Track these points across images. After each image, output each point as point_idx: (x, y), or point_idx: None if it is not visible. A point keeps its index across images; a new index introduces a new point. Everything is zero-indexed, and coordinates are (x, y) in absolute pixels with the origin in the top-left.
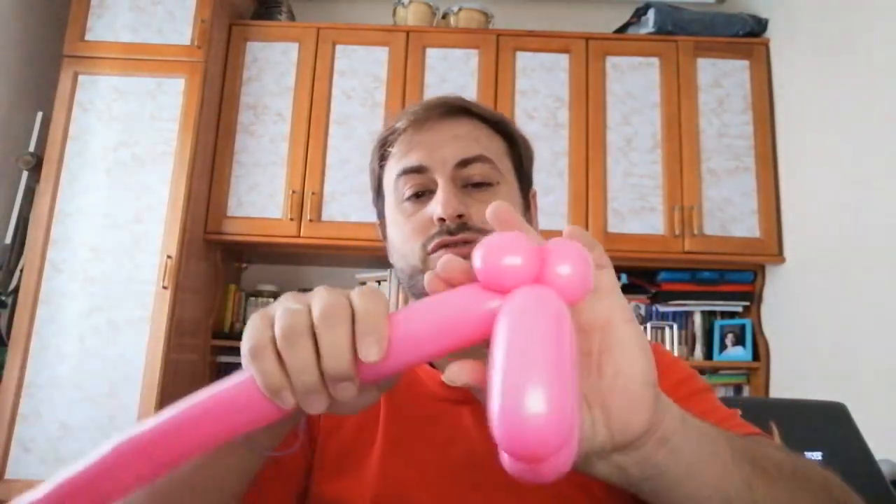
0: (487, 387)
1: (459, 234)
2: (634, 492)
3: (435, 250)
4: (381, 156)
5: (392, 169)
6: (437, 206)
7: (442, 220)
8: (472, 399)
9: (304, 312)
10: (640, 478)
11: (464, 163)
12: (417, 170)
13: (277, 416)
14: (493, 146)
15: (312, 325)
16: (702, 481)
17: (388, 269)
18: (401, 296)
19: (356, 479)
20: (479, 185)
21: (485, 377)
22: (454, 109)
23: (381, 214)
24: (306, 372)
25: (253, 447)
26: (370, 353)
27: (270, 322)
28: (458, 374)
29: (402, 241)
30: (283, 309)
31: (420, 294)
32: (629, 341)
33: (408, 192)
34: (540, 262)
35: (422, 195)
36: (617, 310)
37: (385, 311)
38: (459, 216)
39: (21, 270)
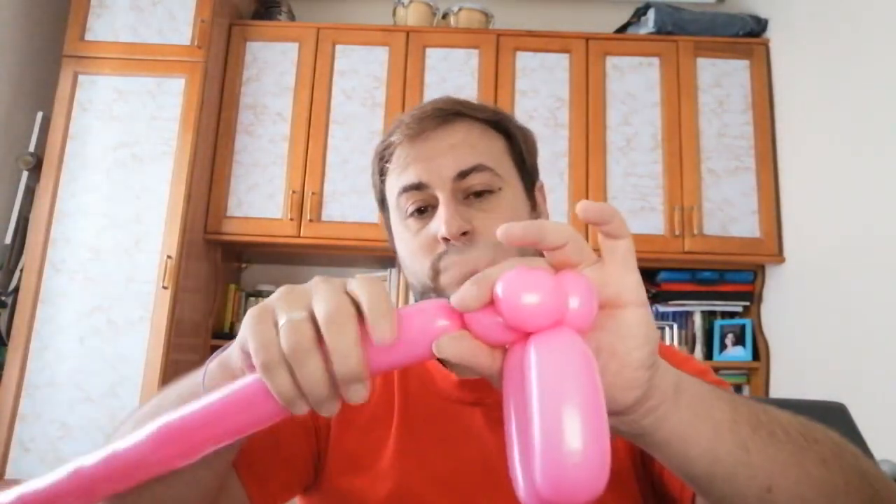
0: (513, 429)
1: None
2: (629, 440)
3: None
4: (381, 170)
5: (392, 185)
6: (440, 226)
7: (446, 238)
8: (485, 400)
9: (308, 323)
10: (630, 435)
11: (462, 174)
12: (417, 187)
13: (288, 416)
14: (491, 149)
15: (319, 332)
16: (690, 443)
17: (389, 269)
18: (401, 298)
19: (369, 477)
20: (481, 194)
21: (487, 362)
22: (448, 115)
23: (388, 227)
24: (318, 386)
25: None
26: (384, 334)
27: (274, 325)
28: (448, 344)
29: (411, 259)
30: (286, 320)
31: None
32: (634, 328)
33: (410, 209)
34: (561, 303)
35: (425, 210)
36: (628, 288)
37: (387, 294)
38: (464, 233)
39: (21, 270)
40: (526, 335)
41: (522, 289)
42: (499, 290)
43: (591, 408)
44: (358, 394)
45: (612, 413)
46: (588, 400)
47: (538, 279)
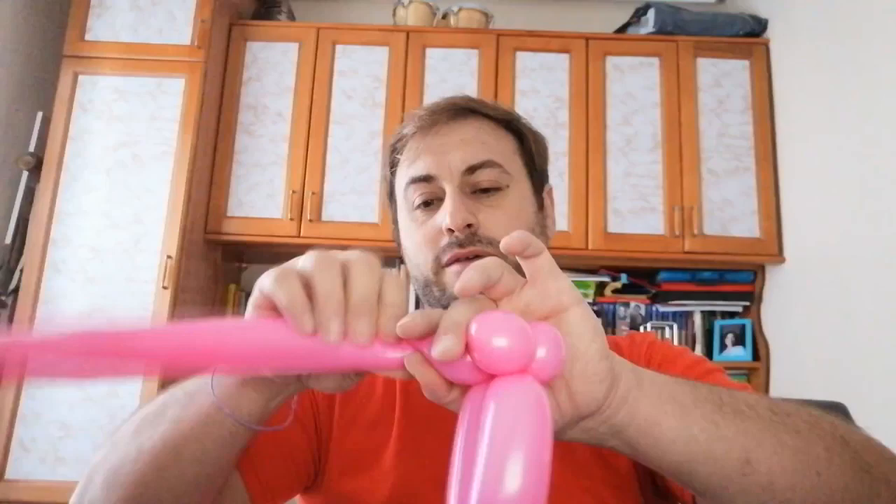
0: (459, 459)
1: (469, 246)
2: (609, 447)
3: (448, 264)
4: (392, 162)
5: (402, 177)
6: (445, 217)
7: (451, 230)
8: None
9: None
10: (609, 434)
11: (471, 169)
12: (425, 178)
13: (280, 363)
14: (501, 147)
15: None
16: (663, 426)
17: (388, 269)
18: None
19: (370, 478)
20: (487, 190)
21: (443, 393)
22: (461, 111)
23: (395, 220)
24: (331, 299)
25: (240, 418)
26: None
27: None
28: (413, 363)
29: (415, 251)
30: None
31: (433, 304)
32: (582, 324)
33: (417, 201)
34: (530, 351)
35: (431, 203)
36: (564, 293)
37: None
38: (468, 226)
39: (21, 270)
40: (490, 377)
41: (495, 332)
42: (472, 330)
43: (535, 456)
44: (363, 330)
45: (592, 414)
46: (534, 448)
47: (512, 323)
